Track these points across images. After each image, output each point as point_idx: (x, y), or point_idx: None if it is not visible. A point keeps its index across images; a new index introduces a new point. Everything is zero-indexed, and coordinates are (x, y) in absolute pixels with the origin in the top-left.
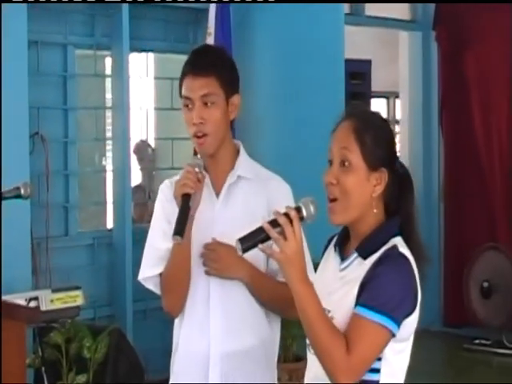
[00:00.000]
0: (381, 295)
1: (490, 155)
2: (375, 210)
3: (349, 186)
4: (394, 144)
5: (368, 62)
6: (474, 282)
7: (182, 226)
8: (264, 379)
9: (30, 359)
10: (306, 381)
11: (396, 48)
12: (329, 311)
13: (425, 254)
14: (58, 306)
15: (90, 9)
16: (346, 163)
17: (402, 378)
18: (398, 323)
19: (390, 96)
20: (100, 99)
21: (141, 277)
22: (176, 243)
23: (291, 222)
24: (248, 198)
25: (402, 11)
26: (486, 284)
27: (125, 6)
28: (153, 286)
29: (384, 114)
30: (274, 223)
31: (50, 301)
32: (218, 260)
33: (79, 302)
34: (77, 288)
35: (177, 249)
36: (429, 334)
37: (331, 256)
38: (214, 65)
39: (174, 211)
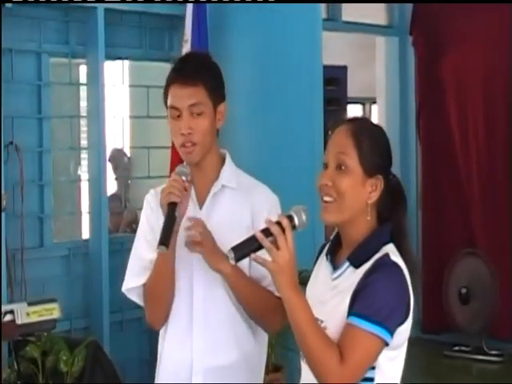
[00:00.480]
0: (373, 304)
1: (468, 160)
2: (369, 218)
3: (344, 188)
4: (390, 153)
5: (344, 68)
6: (452, 287)
7: (167, 236)
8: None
9: (6, 373)
10: None
11: (372, 53)
12: (321, 321)
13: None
14: (34, 319)
15: (64, 16)
16: (343, 167)
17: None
18: (391, 332)
19: (366, 102)
20: (75, 108)
21: (124, 287)
22: (160, 254)
23: (283, 230)
24: (232, 207)
25: (378, 16)
26: (464, 290)
27: (100, 13)
28: (136, 297)
29: None
30: (266, 232)
31: (26, 314)
32: (206, 241)
33: (55, 314)
34: (53, 301)
35: (161, 259)
36: (408, 341)
37: (323, 265)
38: (201, 73)
39: (159, 221)
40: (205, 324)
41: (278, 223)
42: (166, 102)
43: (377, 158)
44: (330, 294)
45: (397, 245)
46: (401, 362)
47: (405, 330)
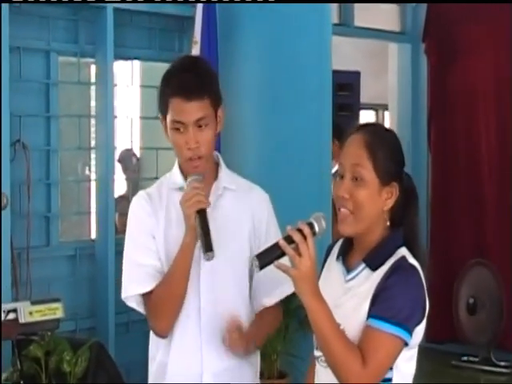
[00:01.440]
0: (393, 306)
1: (479, 168)
2: (388, 223)
3: (361, 200)
4: (403, 156)
5: (357, 74)
6: (461, 298)
7: (210, 241)
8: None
9: (9, 373)
10: None
11: (385, 60)
12: (339, 325)
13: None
14: (37, 318)
15: (73, 15)
16: (359, 179)
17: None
18: (411, 332)
19: (378, 108)
20: (84, 107)
21: (125, 295)
22: (179, 260)
23: (305, 238)
24: (234, 208)
25: (391, 23)
26: (471, 300)
27: (109, 13)
28: (136, 305)
29: None
30: (288, 239)
31: (29, 313)
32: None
33: (59, 314)
34: (57, 300)
35: (179, 265)
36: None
37: (333, 267)
38: (205, 85)
39: (158, 225)
40: (212, 328)
41: (299, 230)
42: (162, 109)
43: (392, 166)
44: (345, 296)
45: (409, 247)
46: (414, 361)
47: (421, 330)
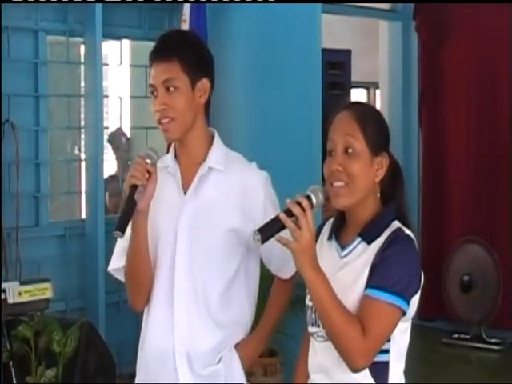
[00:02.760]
0: (392, 276)
1: (469, 147)
2: (378, 195)
3: (355, 171)
4: (389, 132)
5: (347, 52)
6: (453, 275)
7: (124, 221)
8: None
9: None
10: (309, 369)
11: (376, 38)
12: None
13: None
14: (26, 298)
15: None
16: (350, 150)
17: (404, 356)
18: (408, 302)
19: (370, 87)
20: (74, 87)
21: (110, 267)
22: (134, 234)
23: (304, 211)
24: (218, 190)
25: (381, 0)
26: (466, 278)
27: None
28: (121, 277)
29: None
30: (288, 213)
31: (18, 293)
32: None
33: (48, 294)
34: (46, 280)
35: (134, 240)
36: None
37: (325, 245)
38: (175, 49)
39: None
40: (187, 310)
41: (298, 203)
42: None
43: (380, 137)
44: (341, 271)
45: (402, 221)
46: (409, 334)
47: (416, 301)
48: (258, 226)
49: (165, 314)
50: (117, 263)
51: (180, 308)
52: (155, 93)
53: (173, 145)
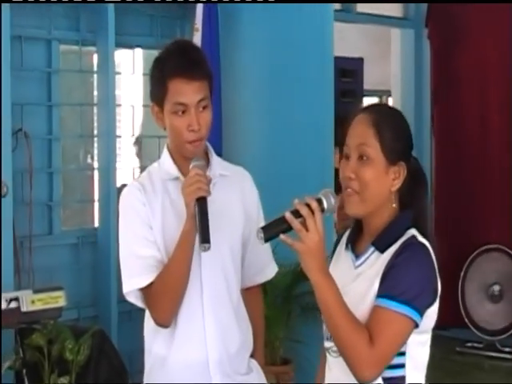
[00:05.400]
0: (401, 284)
1: (483, 153)
2: (394, 205)
3: (367, 179)
4: (411, 137)
5: (360, 60)
6: (477, 284)
7: (208, 232)
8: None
9: (11, 361)
10: (326, 381)
11: (388, 46)
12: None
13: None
14: (39, 306)
15: (74, 3)
16: (364, 157)
17: (424, 370)
18: (420, 312)
19: (382, 94)
20: (86, 96)
21: (128, 289)
22: (181, 248)
23: (312, 212)
24: (227, 194)
25: (394, 8)
26: (496, 287)
27: (110, 1)
28: (135, 299)
29: None
30: (295, 213)
31: (31, 302)
32: None
33: (61, 302)
34: (59, 289)
35: (180, 253)
36: None
37: (342, 254)
38: (206, 68)
39: (154, 215)
40: (214, 315)
41: (307, 205)
42: (157, 94)
43: (399, 145)
44: (354, 282)
45: (419, 230)
46: (428, 347)
47: (433, 313)
48: (260, 224)
49: (195, 324)
50: (139, 282)
51: (210, 314)
52: (180, 112)
53: (168, 153)
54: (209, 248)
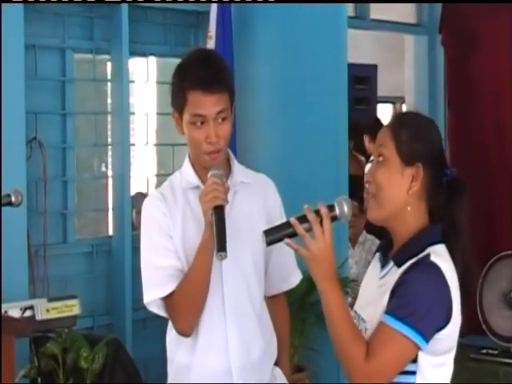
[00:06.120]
0: (406, 305)
1: (498, 160)
2: (409, 208)
3: (380, 179)
4: (436, 142)
5: (373, 67)
6: (493, 290)
7: (224, 241)
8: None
9: (26, 370)
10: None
11: (402, 52)
12: (365, 322)
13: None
14: (53, 315)
15: (88, 12)
16: (380, 158)
17: None
18: (424, 335)
19: (396, 101)
20: (101, 104)
21: (148, 299)
22: (199, 257)
23: (321, 219)
24: (250, 201)
25: (407, 15)
26: None
27: (124, 9)
28: (157, 309)
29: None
30: (302, 219)
31: (46, 310)
32: None
33: (76, 311)
34: (73, 297)
35: (200, 262)
36: None
37: (374, 264)
38: (226, 79)
39: (174, 225)
40: (237, 323)
41: (317, 211)
42: (177, 104)
43: (417, 146)
44: (376, 293)
45: (450, 246)
46: (448, 371)
47: (448, 335)
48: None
49: (217, 333)
50: (160, 292)
51: (232, 323)
52: (199, 123)
53: (189, 162)
54: (225, 257)
